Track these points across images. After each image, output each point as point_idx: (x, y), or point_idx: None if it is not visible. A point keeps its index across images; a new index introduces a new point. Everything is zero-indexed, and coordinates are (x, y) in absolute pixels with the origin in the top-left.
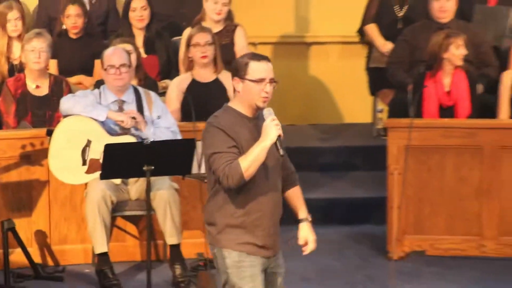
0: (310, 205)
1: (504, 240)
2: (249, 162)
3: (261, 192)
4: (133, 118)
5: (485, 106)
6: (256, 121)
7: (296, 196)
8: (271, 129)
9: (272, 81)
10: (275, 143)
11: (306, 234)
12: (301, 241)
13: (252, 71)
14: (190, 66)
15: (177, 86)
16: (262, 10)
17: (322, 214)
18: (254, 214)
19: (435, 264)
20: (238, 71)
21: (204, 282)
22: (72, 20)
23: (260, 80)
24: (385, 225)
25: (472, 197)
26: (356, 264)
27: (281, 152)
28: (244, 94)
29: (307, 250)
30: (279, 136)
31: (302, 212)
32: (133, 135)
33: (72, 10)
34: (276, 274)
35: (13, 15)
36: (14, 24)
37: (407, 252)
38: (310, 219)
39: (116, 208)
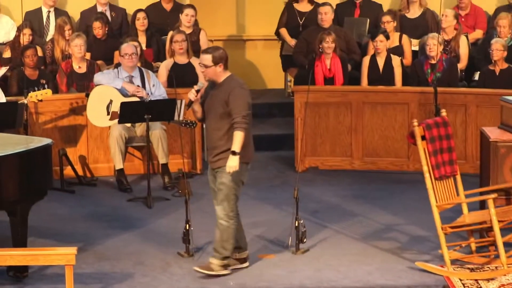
0: None
1: (366, 160)
2: None
3: (205, 127)
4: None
5: (353, 78)
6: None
7: (233, 136)
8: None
9: (204, 66)
10: (188, 102)
11: (228, 161)
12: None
13: None
14: (172, 54)
15: (165, 67)
16: (215, 19)
17: (254, 144)
18: (206, 139)
19: (324, 174)
20: (223, 59)
21: (182, 185)
22: (98, 30)
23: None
24: (293, 151)
25: (346, 133)
26: (275, 174)
27: (187, 108)
28: None
29: (227, 170)
30: (189, 99)
31: (232, 147)
32: (138, 97)
33: (98, 24)
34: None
35: (67, 27)
36: (68, 34)
37: (307, 167)
38: (233, 152)
39: (128, 141)
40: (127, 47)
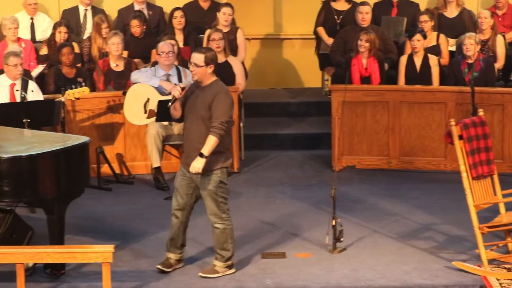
0: (283, 138)
1: (403, 159)
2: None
3: (185, 128)
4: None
5: (390, 77)
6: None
7: (207, 139)
8: (172, 90)
9: (194, 65)
10: (172, 98)
11: (193, 162)
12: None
13: None
14: None
15: None
16: (252, 18)
17: (291, 143)
18: (183, 140)
19: (361, 173)
20: (214, 61)
21: None
22: (136, 28)
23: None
24: (330, 150)
25: (383, 132)
26: (312, 173)
27: (169, 104)
28: None
29: (191, 170)
30: (173, 95)
31: (202, 150)
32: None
33: (135, 22)
34: (200, 188)
35: (104, 26)
36: (105, 32)
37: (344, 166)
38: (200, 154)
39: (165, 139)
40: (164, 46)
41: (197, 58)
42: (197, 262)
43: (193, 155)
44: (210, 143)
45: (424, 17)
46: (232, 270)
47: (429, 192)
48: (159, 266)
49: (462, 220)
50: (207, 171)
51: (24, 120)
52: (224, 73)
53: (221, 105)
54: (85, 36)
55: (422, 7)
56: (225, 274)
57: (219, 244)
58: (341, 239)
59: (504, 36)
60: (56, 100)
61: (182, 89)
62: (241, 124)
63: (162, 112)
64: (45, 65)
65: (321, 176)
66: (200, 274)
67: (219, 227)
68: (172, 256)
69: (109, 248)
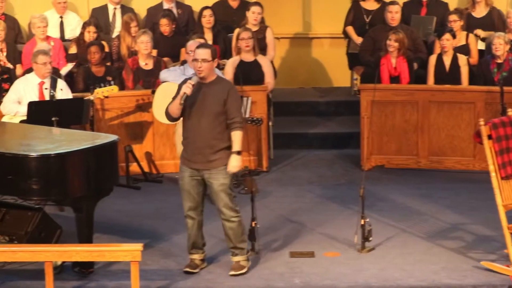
0: (312, 137)
1: (432, 159)
2: (170, 105)
3: (189, 126)
4: None
5: (419, 77)
6: (209, 84)
7: (233, 136)
8: (183, 87)
9: (204, 60)
10: (183, 95)
11: (230, 160)
12: (228, 166)
13: (194, 54)
14: (238, 51)
15: (231, 64)
16: (281, 17)
17: (320, 142)
18: (185, 139)
19: (390, 173)
20: (216, 56)
21: (248, 183)
22: (165, 27)
23: (194, 60)
24: (359, 149)
25: (412, 132)
26: (341, 172)
27: (181, 102)
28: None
29: (228, 169)
30: (185, 92)
31: (234, 147)
32: None
33: (164, 21)
34: (211, 183)
35: (133, 24)
36: (134, 30)
37: (372, 165)
38: (238, 152)
39: None
40: (193, 44)
41: (205, 53)
42: (220, 260)
43: (205, 152)
44: (239, 138)
45: (453, 17)
46: (249, 262)
47: (458, 192)
48: (186, 269)
49: (490, 220)
50: (219, 165)
51: (53, 119)
52: (253, 72)
53: (237, 100)
54: (114, 34)
55: (451, 7)
56: (248, 267)
57: (238, 238)
58: (370, 239)
59: None
60: (85, 98)
61: (193, 86)
62: (270, 123)
63: None
64: (74, 63)
65: (350, 176)
66: (232, 273)
67: (236, 220)
68: (196, 257)
69: (138, 246)
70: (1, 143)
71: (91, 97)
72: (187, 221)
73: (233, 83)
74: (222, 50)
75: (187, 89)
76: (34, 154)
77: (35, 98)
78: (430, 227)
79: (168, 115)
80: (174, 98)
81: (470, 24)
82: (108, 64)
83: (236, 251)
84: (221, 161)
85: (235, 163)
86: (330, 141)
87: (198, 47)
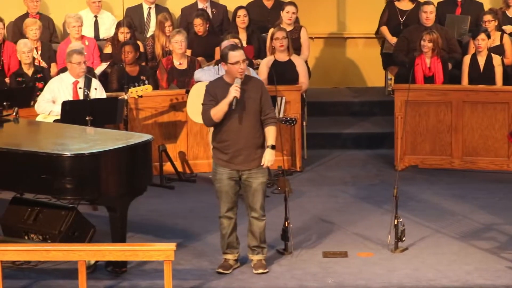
0: (346, 137)
1: (466, 159)
2: (215, 111)
3: (228, 129)
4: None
5: (453, 77)
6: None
7: (267, 131)
8: (232, 91)
9: (244, 60)
10: (232, 100)
11: (265, 155)
12: (263, 160)
13: (231, 57)
14: (273, 51)
15: (265, 64)
16: (316, 17)
17: (354, 142)
18: (223, 142)
19: (423, 173)
20: (223, 58)
21: (282, 183)
22: (199, 26)
23: (236, 62)
24: (393, 149)
25: (446, 132)
26: (375, 172)
27: (233, 106)
28: (228, 71)
29: (264, 164)
30: (235, 96)
31: (268, 142)
32: None
33: (199, 21)
34: (250, 182)
35: (168, 24)
36: (168, 30)
37: (406, 165)
38: (272, 146)
39: None
40: (228, 44)
41: (243, 54)
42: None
43: (248, 152)
44: (274, 133)
45: (488, 17)
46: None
47: (492, 192)
48: (219, 270)
49: None
50: (260, 164)
51: (87, 118)
52: (288, 72)
53: (269, 95)
54: (149, 34)
55: (486, 7)
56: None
57: (263, 237)
58: (403, 239)
59: None
60: (119, 98)
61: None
62: (304, 123)
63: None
64: (108, 63)
65: (383, 176)
66: (259, 271)
67: (265, 219)
68: (231, 257)
69: (171, 246)
70: (35, 142)
71: (125, 97)
72: (222, 221)
73: (267, 83)
74: (256, 50)
75: (236, 92)
76: (68, 153)
77: (69, 97)
78: (464, 228)
79: (209, 120)
80: (205, 104)
81: (505, 24)
82: (142, 63)
83: (258, 249)
84: (259, 160)
85: (270, 157)
86: (363, 141)
87: (232, 50)
